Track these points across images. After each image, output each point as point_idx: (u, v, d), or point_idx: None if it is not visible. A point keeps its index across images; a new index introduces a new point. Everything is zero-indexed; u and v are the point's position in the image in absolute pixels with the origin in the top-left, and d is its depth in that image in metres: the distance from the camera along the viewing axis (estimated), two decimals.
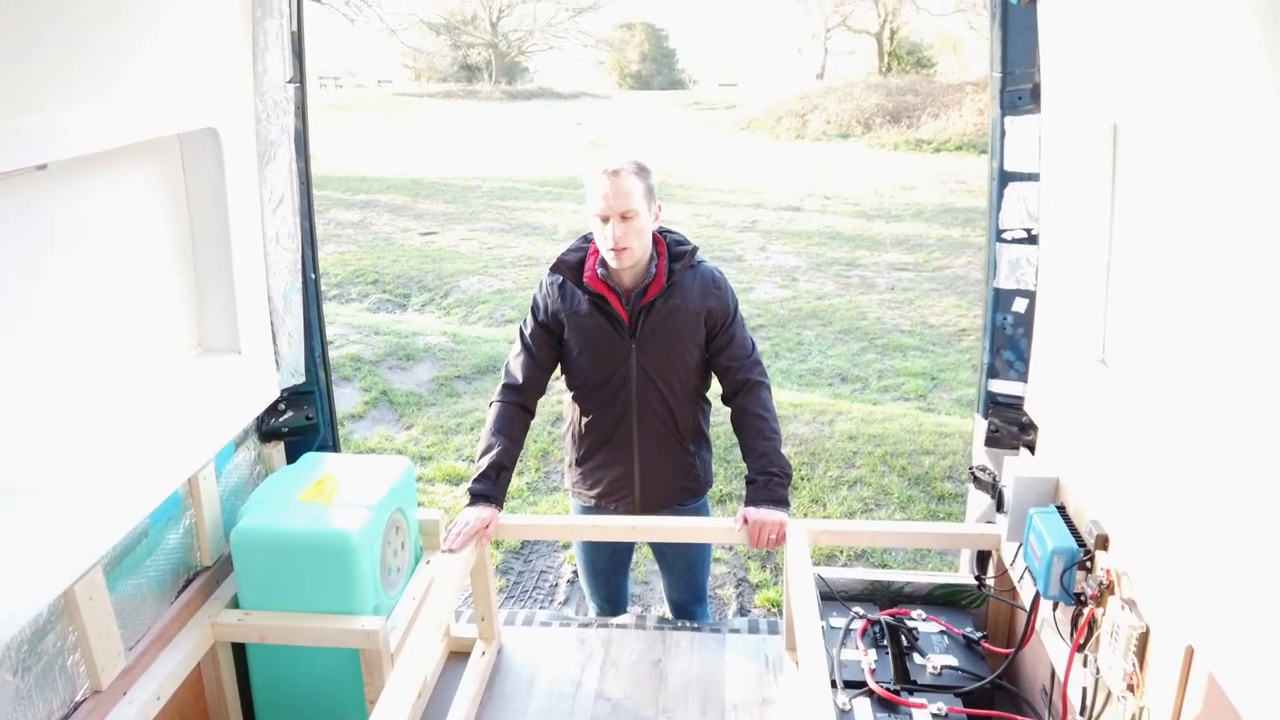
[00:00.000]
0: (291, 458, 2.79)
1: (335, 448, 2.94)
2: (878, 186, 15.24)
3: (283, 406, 2.76)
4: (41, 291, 1.92)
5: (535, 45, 42.22)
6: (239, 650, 2.45)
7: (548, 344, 2.67)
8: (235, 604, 2.38)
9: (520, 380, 2.67)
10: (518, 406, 2.67)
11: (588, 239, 2.63)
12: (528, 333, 2.68)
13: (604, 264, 2.56)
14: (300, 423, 2.80)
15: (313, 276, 2.76)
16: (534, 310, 2.68)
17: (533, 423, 2.77)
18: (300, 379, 2.78)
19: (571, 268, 2.61)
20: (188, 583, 2.38)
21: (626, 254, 2.49)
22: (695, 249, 2.65)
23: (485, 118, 26.53)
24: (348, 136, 21.43)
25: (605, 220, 2.46)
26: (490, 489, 2.59)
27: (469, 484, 2.64)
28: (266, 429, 2.75)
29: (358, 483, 2.49)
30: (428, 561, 2.70)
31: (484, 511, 2.56)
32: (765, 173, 16.96)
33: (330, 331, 5.29)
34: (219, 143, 2.31)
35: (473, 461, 5.66)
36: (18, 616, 1.76)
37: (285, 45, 2.47)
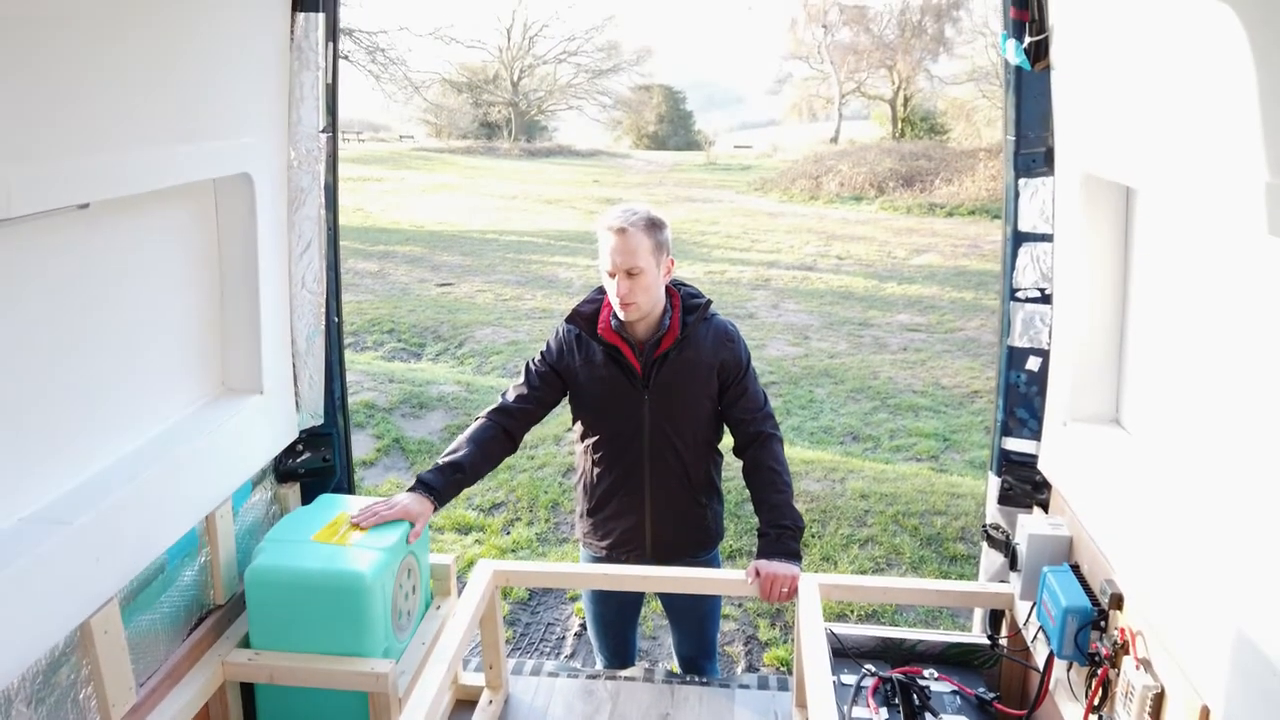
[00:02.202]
0: (307, 499, 2.81)
1: (350, 490, 2.96)
2: (890, 248, 15.36)
3: (300, 448, 2.79)
4: (80, 325, 1.97)
5: (555, 105, 43.13)
6: (247, 691, 2.44)
7: (551, 385, 2.69)
8: (246, 643, 2.38)
9: (514, 406, 2.67)
10: (501, 429, 2.66)
11: (603, 290, 2.67)
12: (535, 368, 2.70)
13: (618, 317, 2.60)
14: (317, 464, 2.83)
15: (335, 320, 2.81)
16: (546, 352, 2.70)
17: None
18: (319, 421, 2.82)
19: (586, 319, 2.65)
20: (200, 620, 2.39)
21: (634, 309, 2.52)
22: (709, 302, 2.68)
23: (504, 173, 26.99)
24: (368, 189, 21.80)
25: (613, 275, 2.50)
26: (437, 481, 2.54)
27: (422, 472, 2.60)
28: (283, 469, 2.77)
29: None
30: (438, 606, 2.70)
31: (416, 506, 2.49)
32: (779, 232, 17.13)
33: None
34: (253, 188, 2.38)
35: (483, 511, 5.69)
36: (36, 646, 1.77)
37: (320, 96, 2.55)
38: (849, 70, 36.66)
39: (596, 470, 2.74)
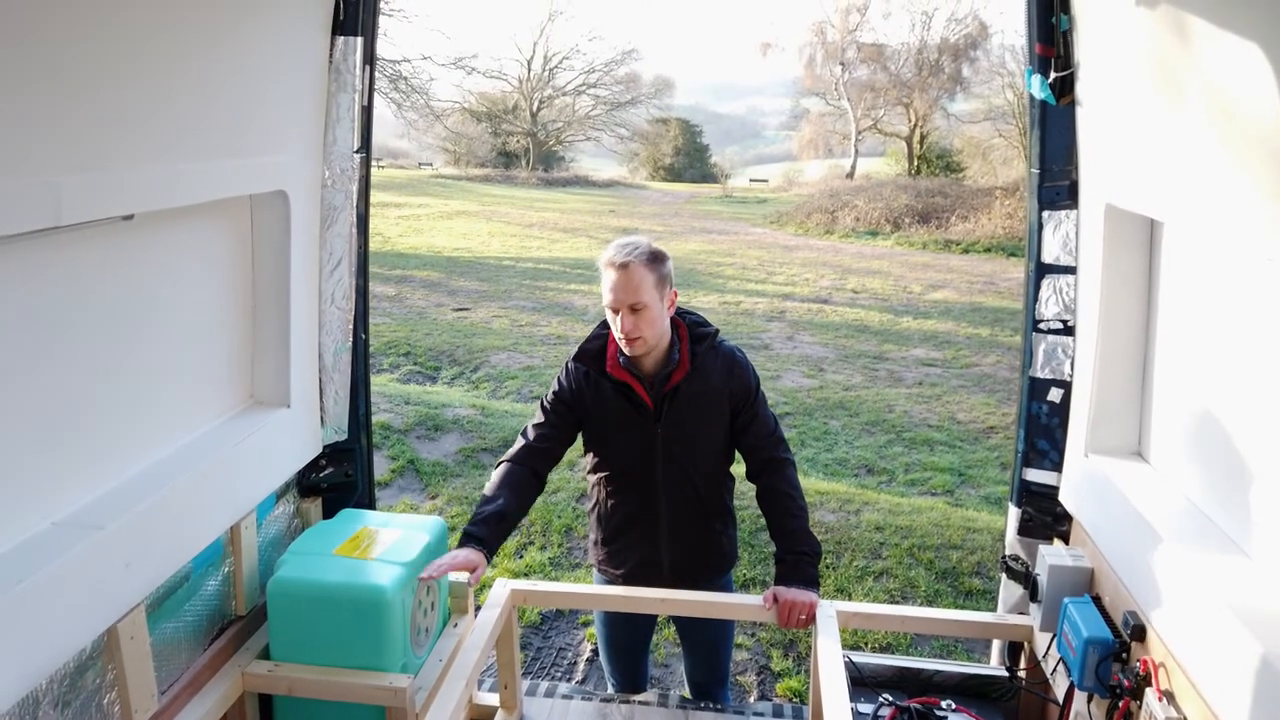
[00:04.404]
0: (329, 513, 2.83)
1: (372, 505, 2.98)
2: (906, 283, 15.39)
3: (324, 462, 2.82)
4: (118, 334, 2.02)
5: (573, 135, 43.58)
6: (266, 702, 2.45)
7: (567, 421, 2.65)
8: (266, 654, 2.39)
9: (537, 446, 2.62)
10: (529, 471, 2.61)
11: (607, 325, 2.63)
12: (550, 406, 2.65)
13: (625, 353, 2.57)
14: (340, 479, 2.85)
15: (363, 337, 2.85)
16: (559, 390, 2.65)
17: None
18: (343, 436, 2.85)
19: (594, 357, 2.62)
20: (221, 631, 2.40)
21: (639, 344, 2.48)
22: (716, 330, 2.66)
23: (521, 202, 27.22)
24: (387, 214, 22.01)
25: (617, 311, 2.47)
26: (486, 534, 2.46)
27: (465, 526, 2.50)
28: (307, 483, 2.80)
29: (394, 540, 2.52)
30: (455, 624, 2.70)
31: (474, 555, 2.40)
32: (794, 264, 17.20)
33: None
34: (288, 205, 2.44)
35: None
36: (65, 649, 1.79)
37: (356, 118, 2.61)
38: (866, 107, 36.97)
39: (610, 502, 2.73)
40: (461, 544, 2.47)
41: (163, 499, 2.06)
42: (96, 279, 1.93)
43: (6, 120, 1.55)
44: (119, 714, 1.99)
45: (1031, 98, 2.45)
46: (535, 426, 2.65)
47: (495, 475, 2.61)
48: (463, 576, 2.34)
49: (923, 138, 35.19)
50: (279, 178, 2.38)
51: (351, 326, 2.79)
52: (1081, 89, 2.32)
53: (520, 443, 2.65)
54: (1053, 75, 2.35)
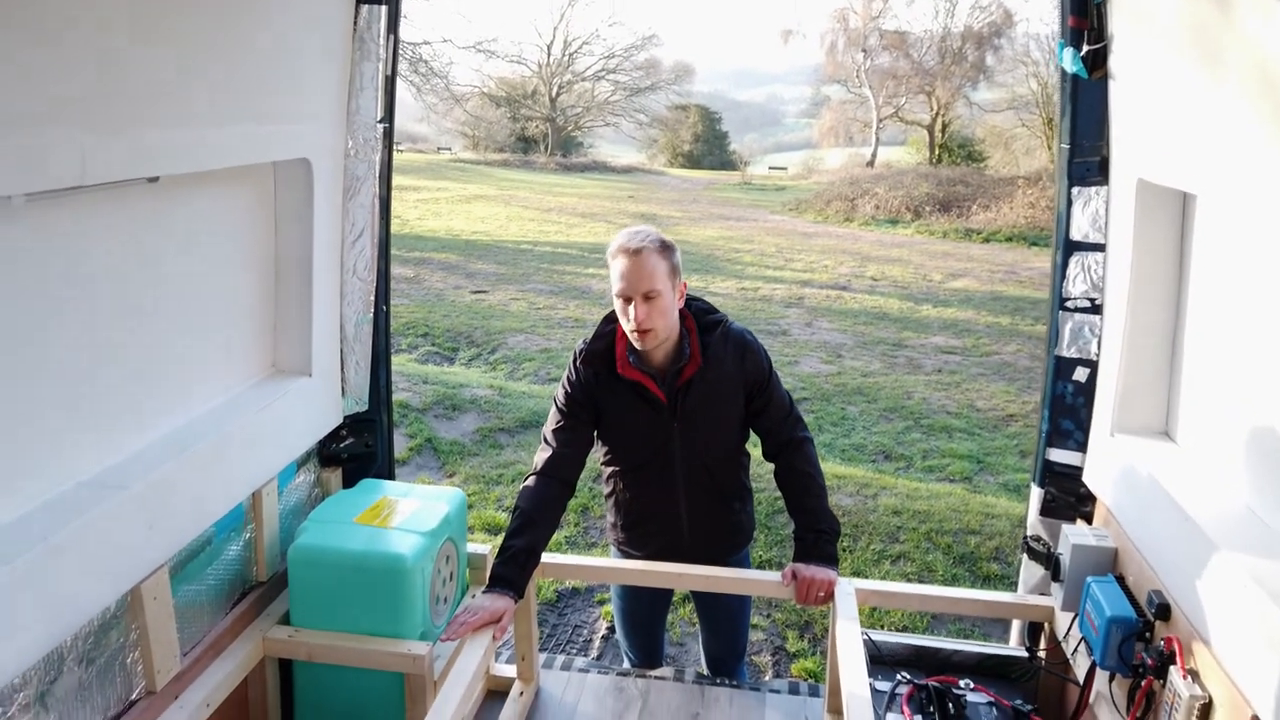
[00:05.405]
0: (348, 484, 2.84)
1: (391, 476, 2.99)
2: (926, 271, 15.28)
3: (344, 433, 2.83)
4: (143, 298, 2.02)
5: (592, 121, 43.50)
6: (285, 667, 2.47)
7: (584, 421, 2.58)
8: (286, 621, 2.41)
9: (562, 452, 2.54)
10: (559, 482, 2.54)
11: (611, 320, 2.55)
12: (565, 408, 2.57)
13: (634, 349, 2.49)
14: (360, 450, 2.86)
15: (384, 309, 2.85)
16: (569, 391, 2.57)
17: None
18: (363, 407, 2.85)
19: (601, 358, 2.53)
20: (242, 596, 2.42)
21: (651, 335, 2.40)
22: (724, 317, 2.59)
23: (539, 187, 27.20)
24: (405, 198, 22.05)
25: (628, 300, 2.38)
26: (516, 575, 2.40)
27: (494, 563, 2.46)
28: (327, 453, 2.81)
29: (413, 510, 2.52)
30: (473, 595, 2.71)
31: (500, 602, 2.34)
32: (813, 252, 17.11)
33: None
34: (311, 173, 2.43)
35: (512, 513, 5.68)
36: (90, 605, 1.81)
37: (379, 87, 2.60)
38: (887, 95, 36.66)
39: (628, 494, 2.71)
40: (490, 586, 2.40)
41: (185, 463, 2.07)
42: (122, 241, 1.94)
43: (34, 79, 1.55)
44: (142, 673, 2.01)
45: (1063, 72, 2.41)
46: (555, 432, 2.57)
47: (526, 490, 2.54)
48: (487, 635, 2.26)
49: (944, 126, 34.87)
50: (302, 145, 2.38)
51: (373, 298, 2.79)
52: (1115, 62, 2.28)
53: (545, 452, 2.57)
54: (1085, 48, 2.31)
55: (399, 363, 8.78)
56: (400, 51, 2.73)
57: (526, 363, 9.14)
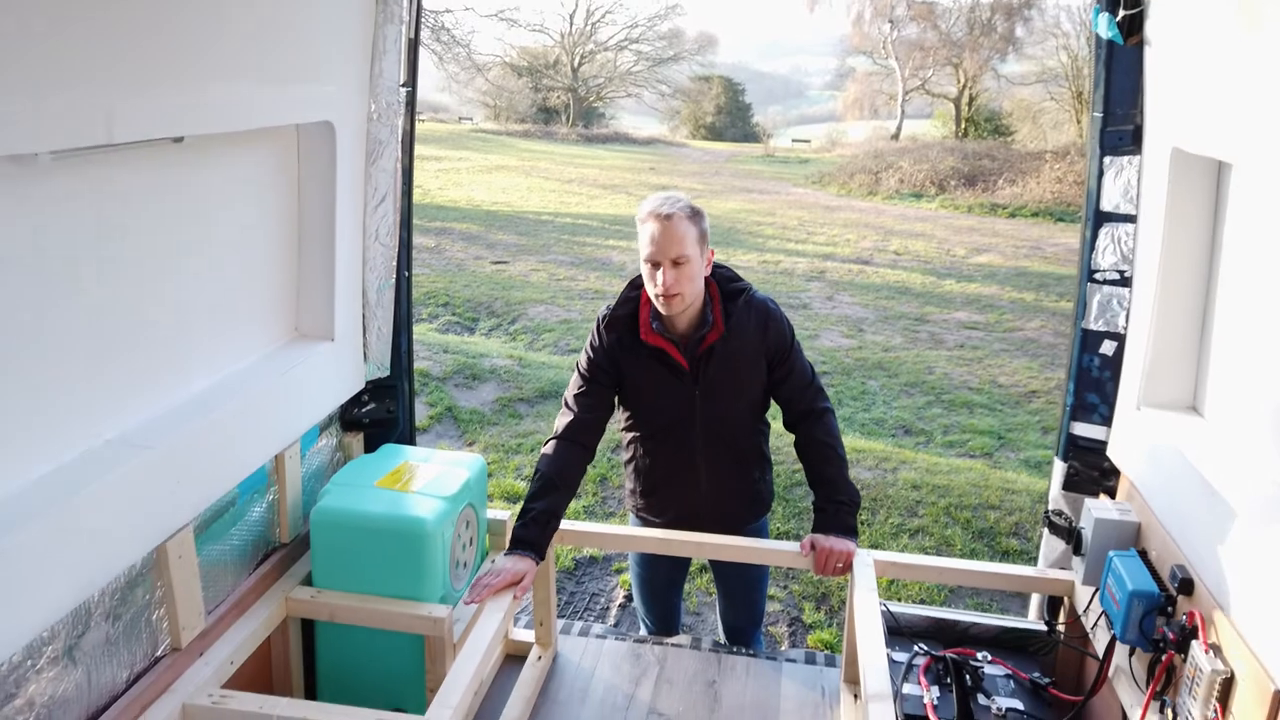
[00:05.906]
0: (370, 448, 2.86)
1: (412, 441, 3.01)
2: (950, 246, 15.13)
3: (366, 398, 2.84)
4: (168, 260, 2.03)
5: (614, 92, 43.17)
6: (308, 627, 2.51)
7: (607, 386, 2.61)
8: (308, 582, 2.44)
9: (584, 417, 2.57)
10: (580, 447, 2.58)
11: (635, 286, 2.56)
12: (587, 372, 2.60)
13: (658, 315, 2.51)
14: (381, 415, 2.88)
15: (406, 275, 2.85)
16: (592, 356, 2.60)
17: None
18: (385, 373, 2.86)
19: (625, 323, 2.55)
20: (265, 557, 2.45)
21: (678, 300, 2.41)
22: (748, 285, 2.58)
23: (561, 157, 27.10)
24: (426, 168, 22.04)
25: (656, 265, 2.38)
26: (537, 537, 2.46)
27: (514, 526, 2.52)
28: (349, 418, 2.82)
29: (434, 474, 2.54)
30: (493, 560, 2.73)
31: (522, 564, 2.40)
32: (835, 225, 16.97)
33: None
34: (334, 136, 2.42)
35: (532, 477, 5.70)
36: (116, 562, 1.84)
37: (402, 50, 2.59)
38: (914, 67, 36.13)
39: (648, 460, 2.72)
40: (511, 548, 2.46)
41: (210, 424, 2.09)
42: (147, 200, 1.94)
43: (61, 38, 1.55)
44: (167, 629, 2.04)
45: (1097, 38, 2.36)
46: (576, 397, 2.60)
47: (546, 455, 2.58)
48: (506, 599, 2.32)
49: (972, 99, 34.33)
50: (325, 108, 2.37)
51: (395, 264, 2.79)
52: (1151, 27, 2.22)
53: (567, 416, 2.60)
54: (1121, 13, 2.26)
55: (420, 332, 8.82)
56: (423, 20, 2.71)
57: (546, 333, 9.16)
